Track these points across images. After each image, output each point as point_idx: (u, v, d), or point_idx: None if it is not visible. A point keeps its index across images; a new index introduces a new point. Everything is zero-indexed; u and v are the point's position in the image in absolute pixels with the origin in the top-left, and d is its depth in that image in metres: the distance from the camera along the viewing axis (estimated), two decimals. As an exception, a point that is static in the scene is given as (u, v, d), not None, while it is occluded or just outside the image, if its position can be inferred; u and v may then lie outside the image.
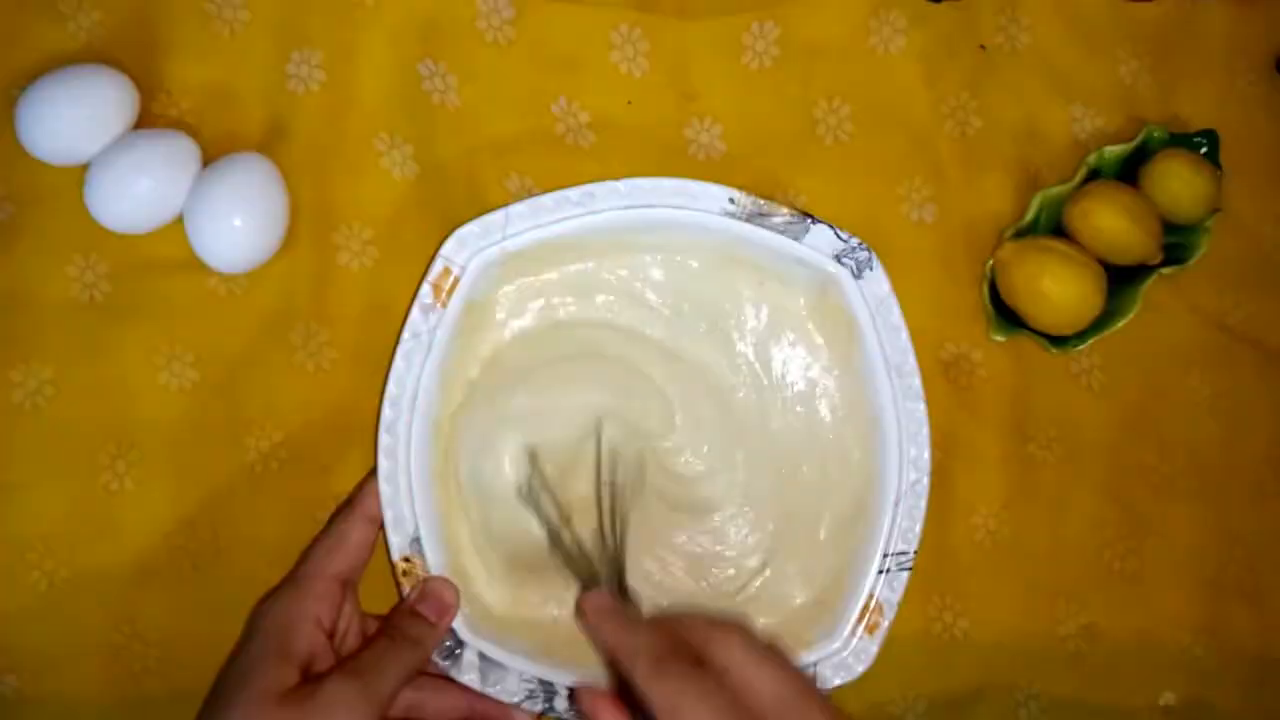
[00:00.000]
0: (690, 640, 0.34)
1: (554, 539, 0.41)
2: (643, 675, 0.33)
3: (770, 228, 0.42)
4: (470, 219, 0.41)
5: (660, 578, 0.44)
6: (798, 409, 0.45)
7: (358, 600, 0.40)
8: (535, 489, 0.42)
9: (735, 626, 0.34)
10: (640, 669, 0.33)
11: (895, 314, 0.43)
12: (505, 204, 0.42)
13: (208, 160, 0.43)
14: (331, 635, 0.39)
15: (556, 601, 0.42)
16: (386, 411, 0.40)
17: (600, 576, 0.40)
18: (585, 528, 0.42)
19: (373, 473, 0.41)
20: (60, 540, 0.43)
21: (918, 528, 0.43)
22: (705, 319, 0.44)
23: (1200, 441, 0.49)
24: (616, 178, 0.42)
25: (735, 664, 0.33)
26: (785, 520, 0.44)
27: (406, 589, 0.40)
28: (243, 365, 0.44)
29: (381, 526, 0.41)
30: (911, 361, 0.43)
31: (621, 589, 0.40)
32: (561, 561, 0.41)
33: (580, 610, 0.38)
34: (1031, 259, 0.46)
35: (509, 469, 0.43)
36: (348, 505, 0.41)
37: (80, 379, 0.43)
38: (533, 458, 0.43)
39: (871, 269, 0.43)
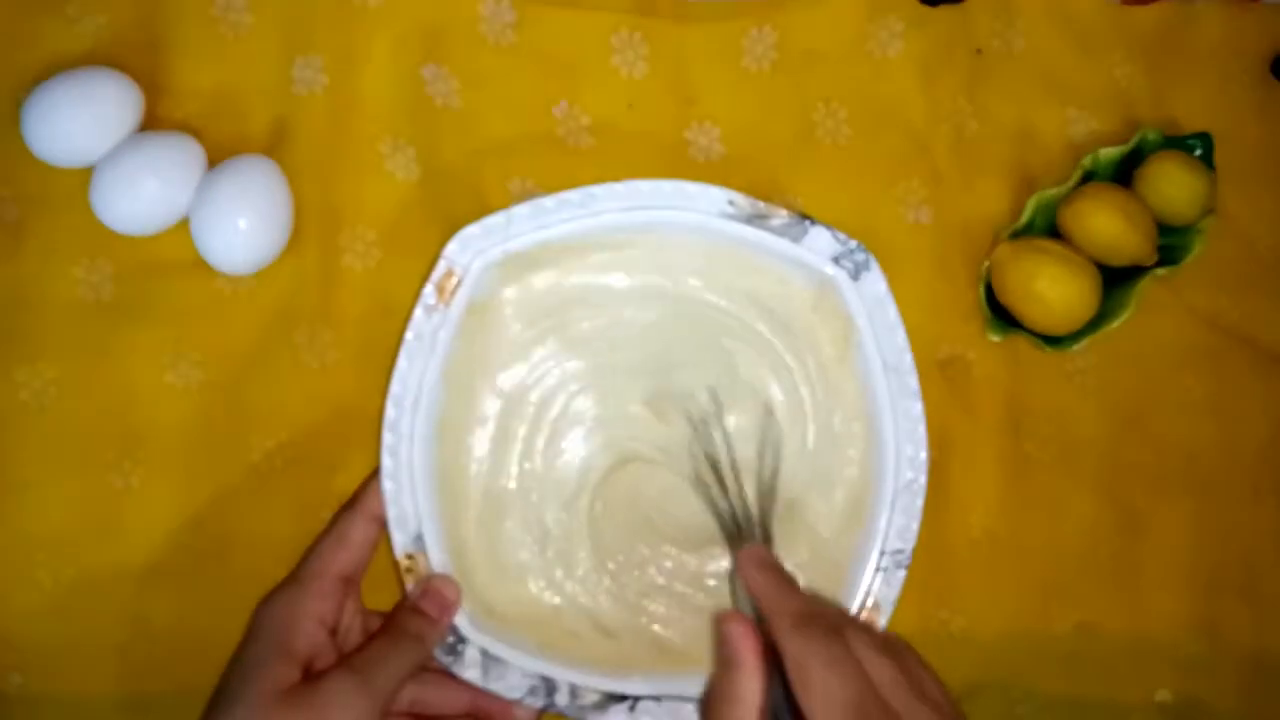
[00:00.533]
0: (828, 616, 0.35)
1: (718, 490, 0.42)
2: (785, 629, 0.34)
3: (769, 229, 0.43)
4: (473, 220, 0.42)
5: (654, 575, 0.44)
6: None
7: (360, 598, 0.41)
8: (709, 434, 0.43)
9: (869, 624, 0.39)
10: (784, 623, 0.34)
11: (892, 314, 0.43)
12: (507, 206, 0.42)
13: (213, 162, 0.43)
14: (334, 633, 0.39)
15: (555, 590, 0.43)
16: (390, 410, 0.41)
17: (749, 534, 0.41)
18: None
19: (376, 472, 0.41)
20: (66, 539, 0.43)
21: (914, 526, 0.43)
22: (704, 318, 0.45)
23: (1195, 440, 0.49)
24: (617, 180, 0.42)
25: (861, 647, 0.34)
26: (782, 517, 0.44)
27: (409, 586, 0.41)
28: (248, 365, 0.44)
29: (384, 525, 0.41)
30: (908, 361, 0.43)
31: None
32: (715, 515, 0.42)
33: (739, 561, 0.38)
34: (1027, 260, 0.46)
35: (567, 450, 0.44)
36: (350, 504, 0.41)
37: (86, 379, 0.43)
38: (713, 396, 0.43)
39: (869, 270, 0.43)
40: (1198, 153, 0.49)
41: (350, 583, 0.40)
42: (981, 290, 0.48)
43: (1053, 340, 0.47)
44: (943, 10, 0.48)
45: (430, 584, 0.41)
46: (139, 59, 0.44)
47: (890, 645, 0.35)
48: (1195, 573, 0.49)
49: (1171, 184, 0.47)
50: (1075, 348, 0.47)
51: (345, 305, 0.45)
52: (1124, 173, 0.49)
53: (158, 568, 0.43)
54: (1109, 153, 0.48)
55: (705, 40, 0.47)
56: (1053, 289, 0.46)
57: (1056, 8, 0.49)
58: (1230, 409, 0.50)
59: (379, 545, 0.41)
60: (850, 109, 0.48)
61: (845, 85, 0.48)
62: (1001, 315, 0.48)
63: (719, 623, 0.36)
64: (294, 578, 0.39)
